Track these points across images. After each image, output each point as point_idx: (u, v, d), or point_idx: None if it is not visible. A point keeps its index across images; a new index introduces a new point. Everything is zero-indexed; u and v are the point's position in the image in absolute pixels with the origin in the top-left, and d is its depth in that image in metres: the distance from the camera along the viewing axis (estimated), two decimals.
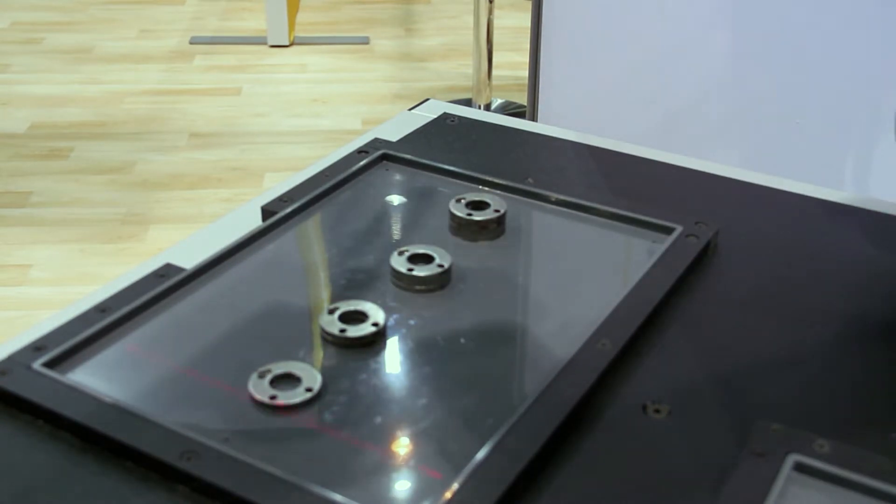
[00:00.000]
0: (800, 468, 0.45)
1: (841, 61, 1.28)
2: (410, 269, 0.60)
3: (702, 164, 0.76)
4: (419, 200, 0.70)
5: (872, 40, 1.26)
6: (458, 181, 0.71)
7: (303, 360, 0.53)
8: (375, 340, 0.55)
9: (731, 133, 1.41)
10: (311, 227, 0.67)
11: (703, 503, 0.44)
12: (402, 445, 0.48)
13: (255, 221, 0.66)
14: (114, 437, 0.46)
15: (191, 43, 3.00)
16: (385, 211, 0.69)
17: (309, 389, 0.50)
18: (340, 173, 0.71)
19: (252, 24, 3.15)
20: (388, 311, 0.57)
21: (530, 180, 0.70)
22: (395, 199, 0.70)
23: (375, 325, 0.55)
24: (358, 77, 2.81)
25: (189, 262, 0.60)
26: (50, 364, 0.51)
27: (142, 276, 0.59)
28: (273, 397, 0.50)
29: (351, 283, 0.61)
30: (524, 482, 0.45)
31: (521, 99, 2.58)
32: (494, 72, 2.51)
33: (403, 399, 0.51)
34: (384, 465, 0.47)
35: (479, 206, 0.67)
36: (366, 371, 0.53)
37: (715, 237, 0.64)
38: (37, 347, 0.52)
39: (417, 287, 0.60)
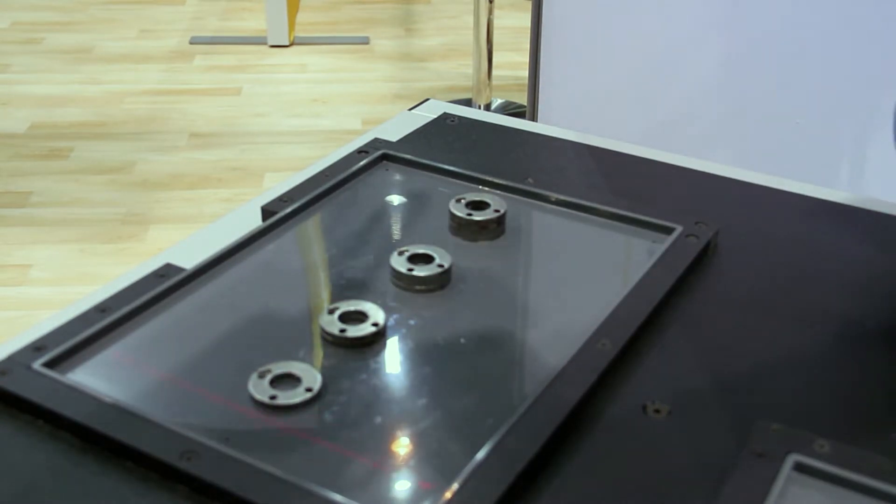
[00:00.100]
0: (800, 468, 0.45)
1: (840, 61, 1.28)
2: (410, 269, 0.60)
3: (702, 164, 0.76)
4: (419, 200, 0.70)
5: (872, 40, 1.25)
6: (458, 181, 0.71)
7: (303, 360, 0.53)
8: (375, 340, 0.55)
9: (731, 133, 1.41)
10: (311, 227, 0.67)
11: (703, 503, 0.44)
12: (402, 445, 0.48)
13: (255, 221, 0.66)
14: (114, 437, 0.46)
15: (191, 43, 3.00)
16: (385, 211, 0.69)
17: (309, 389, 0.50)
18: (340, 173, 0.71)
19: (252, 24, 3.15)
20: (388, 311, 0.57)
21: (530, 180, 0.70)
22: (395, 199, 0.70)
23: (375, 325, 0.55)
24: (358, 77, 2.81)
25: (189, 262, 0.60)
26: (50, 364, 0.51)
27: (142, 276, 0.59)
28: (273, 397, 0.50)
29: (351, 283, 0.61)
30: (524, 482, 0.45)
31: (521, 99, 2.58)
32: (494, 72, 2.51)
33: (403, 399, 0.51)
34: (384, 465, 0.47)
35: (479, 206, 0.67)
36: (366, 371, 0.53)
37: (715, 237, 0.64)
38: (37, 347, 0.52)
39: (417, 287, 0.60)
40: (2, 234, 2.02)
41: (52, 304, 1.79)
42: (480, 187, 0.70)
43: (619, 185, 0.73)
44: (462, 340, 0.55)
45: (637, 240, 0.65)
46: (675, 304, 0.58)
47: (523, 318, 0.59)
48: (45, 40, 3.01)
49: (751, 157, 1.39)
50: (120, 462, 0.46)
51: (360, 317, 0.56)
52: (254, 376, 0.51)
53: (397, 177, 0.73)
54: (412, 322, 0.57)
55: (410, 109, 0.85)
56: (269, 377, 0.51)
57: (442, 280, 0.60)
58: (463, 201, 0.67)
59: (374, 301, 0.57)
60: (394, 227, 0.67)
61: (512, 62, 2.84)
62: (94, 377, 0.52)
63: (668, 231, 0.64)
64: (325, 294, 0.61)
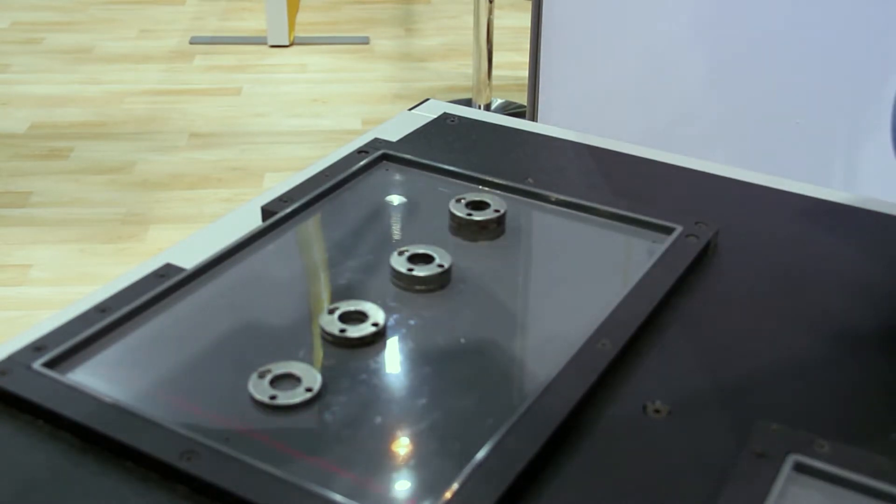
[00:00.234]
0: (800, 468, 0.45)
1: (840, 61, 1.29)
2: (410, 269, 0.60)
3: (702, 164, 0.76)
4: (419, 200, 0.70)
5: (872, 40, 1.26)
6: (458, 181, 0.71)
7: (303, 360, 0.53)
8: (375, 340, 0.55)
9: (731, 133, 1.41)
10: (311, 227, 0.67)
11: (703, 503, 0.44)
12: (402, 445, 0.48)
13: (255, 221, 0.66)
14: (114, 437, 0.46)
15: (191, 43, 3.00)
16: (385, 211, 0.69)
17: (309, 389, 0.50)
18: (340, 173, 0.71)
19: (252, 24, 3.15)
20: (388, 311, 0.57)
21: (530, 180, 0.70)
22: (395, 199, 0.70)
23: (375, 325, 0.55)
24: (358, 77, 2.81)
25: (189, 262, 0.60)
26: (50, 364, 0.51)
27: (142, 276, 0.59)
28: (273, 397, 0.50)
29: (351, 283, 0.61)
30: (524, 482, 0.45)
31: (521, 99, 2.58)
32: (494, 72, 2.51)
33: (403, 399, 0.51)
34: (384, 465, 0.47)
35: (479, 206, 0.67)
36: (366, 371, 0.53)
37: (715, 237, 0.64)
38: (37, 347, 0.52)
39: (417, 287, 0.60)
40: (2, 234, 2.02)
41: (52, 304, 1.79)
42: (480, 187, 0.70)
43: (619, 185, 0.73)
44: (462, 340, 0.55)
45: (637, 240, 0.65)
46: (675, 304, 0.58)
47: (523, 318, 0.59)
48: (45, 40, 3.01)
49: (750, 157, 1.39)
50: (120, 462, 0.46)
51: (360, 317, 0.56)
52: (254, 376, 0.51)
53: (397, 177, 0.73)
54: (412, 322, 0.57)
55: (410, 109, 0.85)
56: (269, 377, 0.51)
57: (442, 280, 0.60)
58: (463, 201, 0.67)
59: (374, 301, 0.57)
60: (394, 227, 0.67)
61: (512, 62, 2.84)
62: (94, 377, 0.52)
63: (668, 231, 0.64)
64: (325, 294, 0.61)
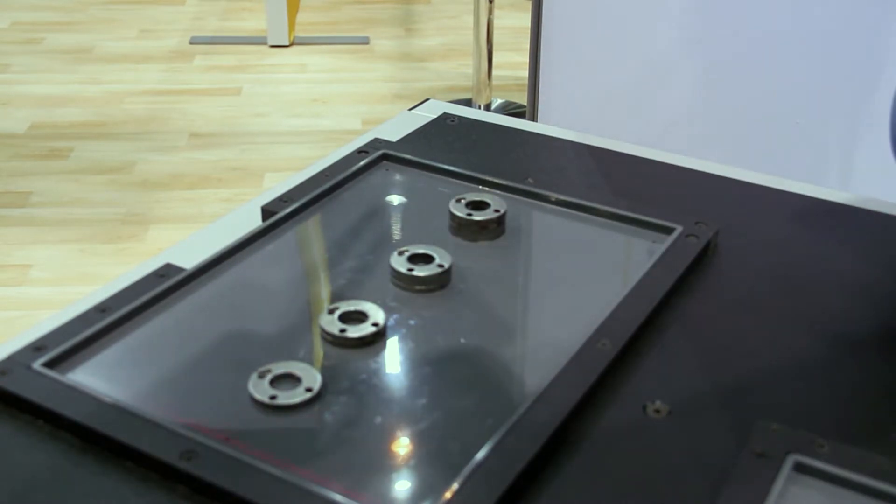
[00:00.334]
0: (800, 468, 0.45)
1: (840, 62, 1.29)
2: (410, 269, 0.60)
3: (702, 164, 0.76)
4: (419, 200, 0.70)
5: (872, 41, 1.26)
6: (458, 181, 0.71)
7: (303, 360, 0.53)
8: (375, 340, 0.55)
9: (731, 133, 1.41)
10: (311, 227, 0.67)
11: (703, 503, 0.44)
12: (402, 445, 0.48)
13: (255, 221, 0.66)
14: (114, 437, 0.46)
15: (191, 43, 3.00)
16: (385, 211, 0.69)
17: (309, 389, 0.50)
18: (340, 173, 0.71)
19: (252, 24, 3.15)
20: (388, 311, 0.57)
21: (530, 180, 0.70)
22: (395, 199, 0.70)
23: (375, 325, 0.55)
24: (358, 77, 2.81)
25: (189, 262, 0.60)
26: (50, 364, 0.51)
27: (142, 276, 0.59)
28: (273, 397, 0.50)
29: (351, 283, 0.61)
30: (524, 482, 0.45)
31: (521, 99, 2.58)
32: (494, 72, 2.51)
33: (403, 399, 0.51)
34: (384, 465, 0.47)
35: (479, 206, 0.67)
36: (366, 371, 0.53)
37: (715, 237, 0.64)
38: (37, 347, 0.52)
39: (417, 287, 0.60)
40: (2, 234, 2.02)
41: (52, 304, 1.79)
42: (480, 187, 0.70)
43: (619, 185, 0.73)
44: (462, 340, 0.55)
45: (637, 240, 0.65)
46: (674, 304, 0.58)
47: (523, 319, 0.59)
48: (45, 40, 3.01)
49: (750, 157, 1.39)
50: (120, 462, 0.46)
51: (360, 317, 0.56)
52: (254, 376, 0.51)
53: (397, 177, 0.73)
54: (412, 322, 0.57)
55: (410, 109, 0.85)
56: (269, 377, 0.51)
57: (442, 280, 0.60)
58: (463, 201, 0.67)
59: (374, 301, 0.57)
60: (394, 227, 0.67)
61: (512, 62, 2.84)
62: (94, 377, 0.52)
63: (668, 231, 0.64)
64: (325, 294, 0.61)
